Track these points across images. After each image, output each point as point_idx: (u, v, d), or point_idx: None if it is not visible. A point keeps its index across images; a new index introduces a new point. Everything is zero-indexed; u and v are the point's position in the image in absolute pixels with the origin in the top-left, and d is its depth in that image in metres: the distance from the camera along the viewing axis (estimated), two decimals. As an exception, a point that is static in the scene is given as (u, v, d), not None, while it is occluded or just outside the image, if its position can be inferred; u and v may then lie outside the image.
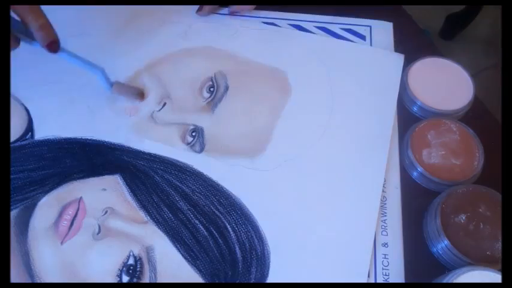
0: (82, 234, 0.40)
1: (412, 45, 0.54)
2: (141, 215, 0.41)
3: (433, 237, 0.41)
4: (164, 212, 0.41)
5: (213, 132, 0.46)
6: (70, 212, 0.41)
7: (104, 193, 0.42)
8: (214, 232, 0.40)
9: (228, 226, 0.40)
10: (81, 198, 0.41)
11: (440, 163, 0.44)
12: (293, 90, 0.49)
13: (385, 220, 0.42)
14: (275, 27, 0.54)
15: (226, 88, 0.48)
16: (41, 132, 0.45)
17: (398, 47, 0.53)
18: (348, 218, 0.41)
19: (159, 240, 0.40)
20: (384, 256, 0.40)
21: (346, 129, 0.46)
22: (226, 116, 0.47)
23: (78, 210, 0.41)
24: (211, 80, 0.49)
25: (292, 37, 0.53)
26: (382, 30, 0.54)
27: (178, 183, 0.42)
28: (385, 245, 0.41)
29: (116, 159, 0.44)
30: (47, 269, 0.38)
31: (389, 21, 0.55)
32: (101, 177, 0.43)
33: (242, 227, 0.40)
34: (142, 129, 0.46)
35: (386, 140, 0.46)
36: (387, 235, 0.41)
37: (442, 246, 0.40)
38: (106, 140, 0.45)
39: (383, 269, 0.40)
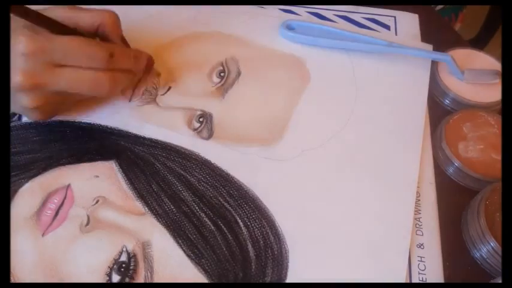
0: (67, 226, 0.34)
1: (439, 39, 0.49)
2: (138, 205, 0.35)
3: (476, 240, 0.35)
4: (165, 203, 0.35)
5: (224, 118, 0.41)
6: (55, 201, 0.35)
7: (96, 180, 0.36)
8: (223, 227, 0.34)
9: (239, 220, 0.35)
10: (69, 185, 0.36)
11: (478, 157, 0.39)
12: (312, 76, 0.44)
13: (419, 218, 0.36)
14: (292, 15, 0.50)
15: (238, 74, 0.44)
16: (30, 114, 0.40)
17: (425, 39, 0.49)
18: (378, 213, 0.36)
19: (157, 234, 0.34)
20: (419, 259, 0.34)
21: (373, 118, 0.41)
22: (239, 101, 0.42)
23: (64, 198, 0.35)
24: (222, 65, 0.44)
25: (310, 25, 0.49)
26: (408, 21, 0.50)
27: (182, 172, 0.37)
28: (420, 246, 0.35)
29: (112, 144, 0.39)
30: (23, 264, 0.32)
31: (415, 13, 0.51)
32: (93, 163, 0.37)
33: (255, 222, 0.35)
34: (144, 113, 0.41)
35: (418, 128, 0.41)
36: (422, 235, 0.36)
37: (488, 248, 0.34)
38: (101, 123, 0.40)
39: (419, 273, 0.34)
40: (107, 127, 0.40)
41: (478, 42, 1.26)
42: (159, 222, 0.34)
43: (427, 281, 0.33)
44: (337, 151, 0.39)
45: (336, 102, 0.42)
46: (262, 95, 0.43)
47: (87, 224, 0.34)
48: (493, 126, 0.41)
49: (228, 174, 0.37)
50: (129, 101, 0.42)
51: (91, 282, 0.32)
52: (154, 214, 0.35)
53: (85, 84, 0.34)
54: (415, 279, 0.33)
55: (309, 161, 0.38)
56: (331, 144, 0.40)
